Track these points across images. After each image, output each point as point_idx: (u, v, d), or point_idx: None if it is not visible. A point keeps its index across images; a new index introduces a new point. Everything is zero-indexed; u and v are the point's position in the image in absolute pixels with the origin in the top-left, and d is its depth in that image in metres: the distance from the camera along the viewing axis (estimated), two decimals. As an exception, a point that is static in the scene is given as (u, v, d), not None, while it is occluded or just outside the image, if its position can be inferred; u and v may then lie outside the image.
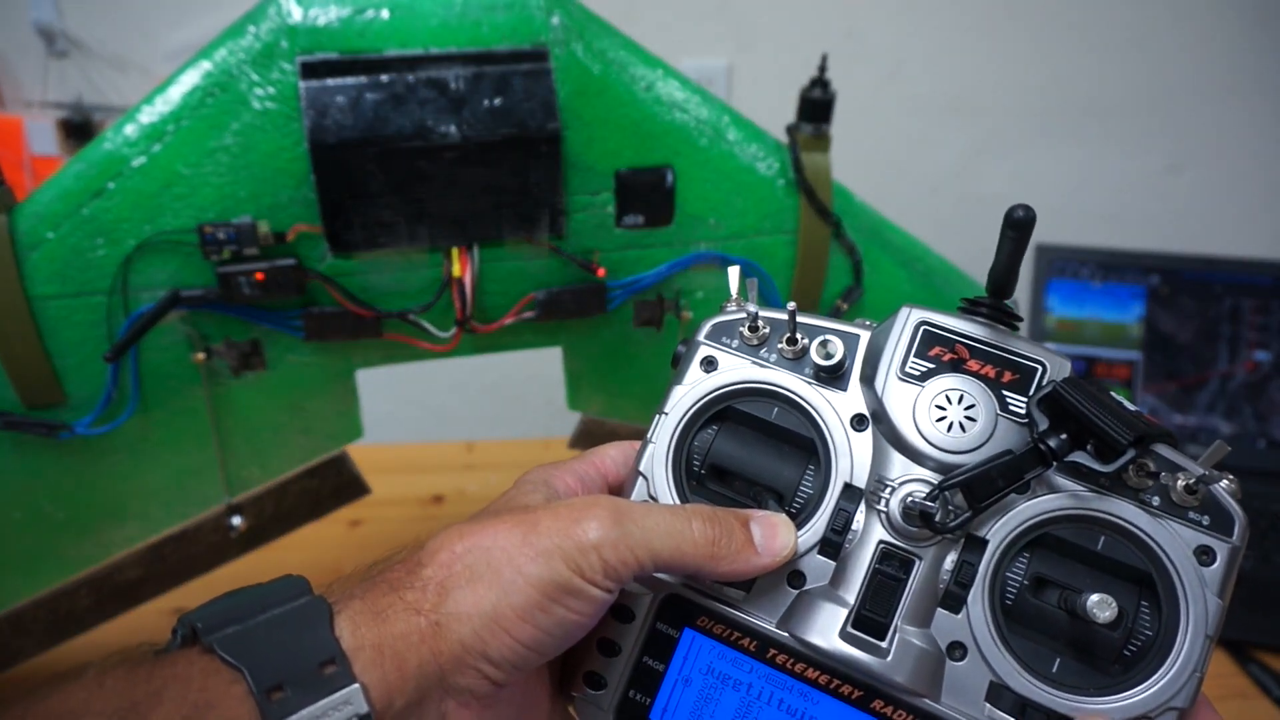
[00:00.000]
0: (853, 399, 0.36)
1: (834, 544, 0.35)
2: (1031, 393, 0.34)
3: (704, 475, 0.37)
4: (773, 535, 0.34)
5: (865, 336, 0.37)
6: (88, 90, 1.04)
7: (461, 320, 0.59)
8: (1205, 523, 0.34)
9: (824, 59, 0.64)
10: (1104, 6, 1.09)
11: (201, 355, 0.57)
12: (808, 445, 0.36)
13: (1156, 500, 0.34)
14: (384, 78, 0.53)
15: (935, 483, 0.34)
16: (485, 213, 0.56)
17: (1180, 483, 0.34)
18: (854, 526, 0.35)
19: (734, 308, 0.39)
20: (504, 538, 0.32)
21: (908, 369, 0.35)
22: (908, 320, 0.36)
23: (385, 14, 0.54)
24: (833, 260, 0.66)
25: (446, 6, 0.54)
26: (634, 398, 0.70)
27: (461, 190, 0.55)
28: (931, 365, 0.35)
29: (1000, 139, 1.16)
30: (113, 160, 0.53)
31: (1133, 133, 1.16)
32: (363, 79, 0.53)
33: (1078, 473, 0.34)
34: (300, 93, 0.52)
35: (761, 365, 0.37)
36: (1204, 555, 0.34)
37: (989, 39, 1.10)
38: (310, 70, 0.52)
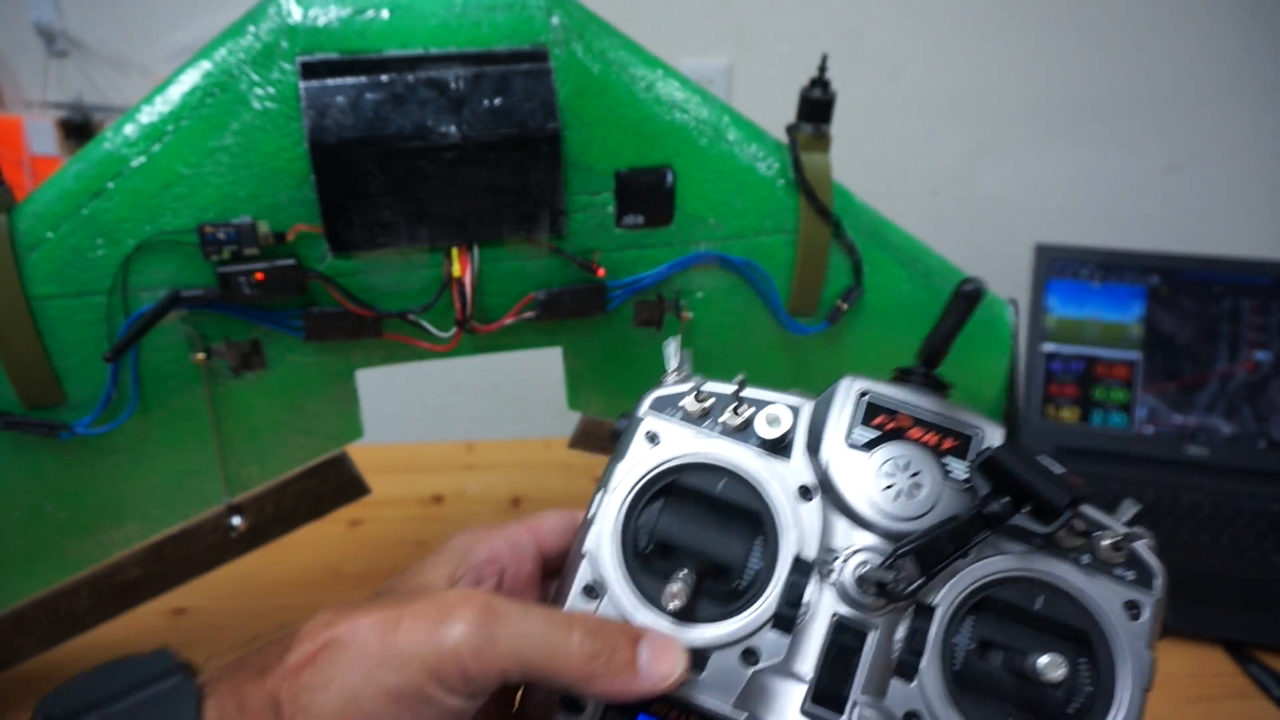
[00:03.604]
0: (799, 469, 0.36)
1: (787, 618, 0.34)
2: (971, 459, 0.35)
3: (650, 554, 0.36)
4: (660, 659, 0.32)
5: (808, 407, 0.37)
6: (88, 90, 1.04)
7: (461, 320, 0.59)
8: (1131, 578, 0.35)
9: (824, 59, 0.64)
10: (1104, 7, 1.09)
11: (201, 355, 0.57)
12: (756, 518, 0.36)
13: (1087, 558, 0.35)
14: (384, 78, 0.53)
15: (884, 551, 0.34)
16: (485, 213, 0.56)
17: (1106, 541, 0.35)
18: (806, 599, 0.34)
19: (674, 380, 0.39)
20: (364, 634, 0.30)
21: (853, 438, 0.36)
22: (850, 390, 0.37)
23: (385, 14, 0.54)
24: (833, 260, 0.66)
25: (446, 6, 0.54)
26: (634, 397, 0.70)
27: (461, 190, 0.55)
28: (876, 433, 0.36)
29: (1000, 139, 1.16)
30: (112, 160, 0.53)
31: (1133, 133, 1.16)
32: (363, 79, 0.53)
33: (1014, 534, 0.35)
34: (300, 93, 0.52)
35: (706, 437, 0.37)
36: (1132, 610, 0.34)
37: (989, 39, 1.10)
38: (310, 70, 0.52)
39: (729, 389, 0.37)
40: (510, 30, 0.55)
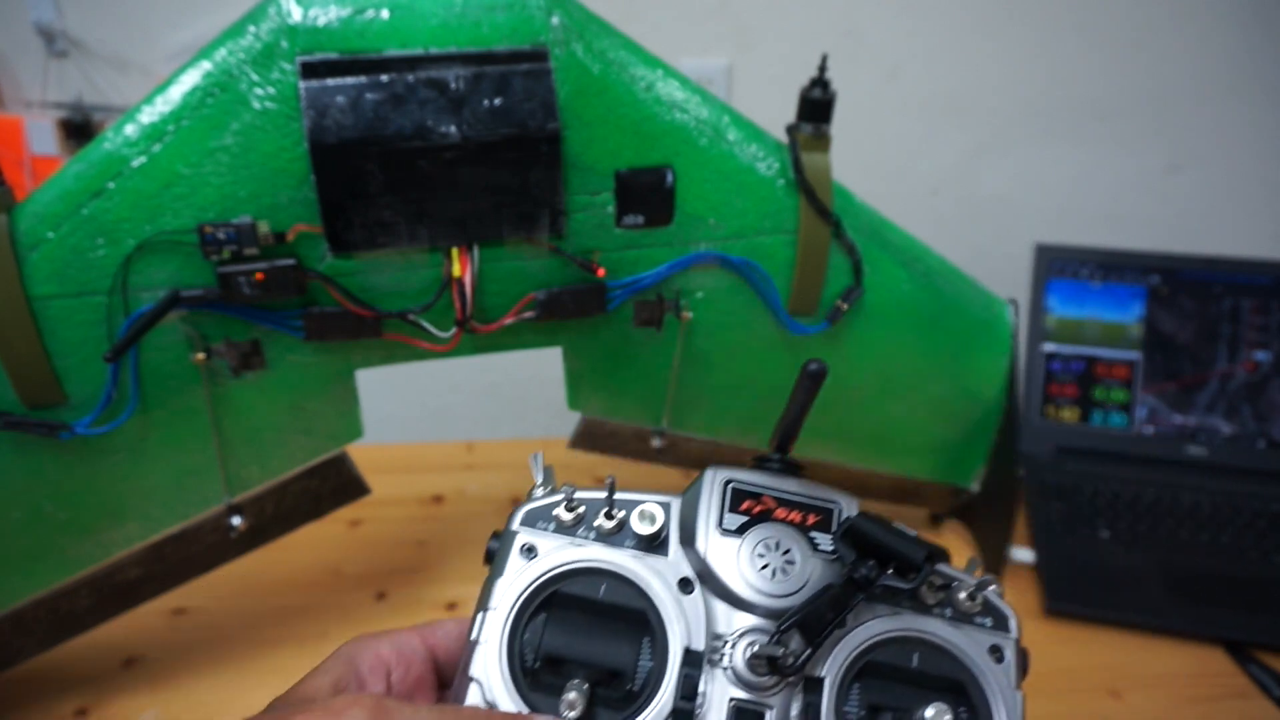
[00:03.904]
0: (677, 563, 0.37)
1: (685, 712, 0.35)
2: (834, 530, 0.37)
3: (539, 669, 0.36)
4: None
5: (678, 501, 0.39)
6: (88, 90, 1.04)
7: (461, 320, 0.59)
8: (989, 624, 0.38)
9: (824, 59, 0.64)
10: (1104, 7, 1.09)
11: (201, 355, 0.57)
12: (641, 618, 0.36)
13: (950, 611, 0.38)
14: (384, 78, 0.53)
15: (769, 629, 0.35)
16: (485, 213, 0.56)
17: (962, 593, 0.37)
18: (701, 690, 0.35)
19: (543, 492, 0.39)
20: None
21: (724, 525, 0.37)
22: (715, 480, 0.38)
23: (385, 14, 0.54)
24: (833, 260, 0.66)
25: (446, 6, 0.54)
26: (634, 397, 0.70)
27: (461, 190, 0.55)
28: (745, 518, 0.37)
29: (1000, 139, 1.16)
30: (113, 160, 0.53)
31: (1133, 133, 1.16)
32: (363, 79, 0.53)
33: (883, 599, 0.37)
34: (300, 93, 0.52)
35: (582, 544, 0.38)
36: (995, 654, 0.37)
37: (989, 39, 1.10)
38: (310, 70, 0.52)
39: (600, 494, 0.38)
40: (510, 30, 0.55)
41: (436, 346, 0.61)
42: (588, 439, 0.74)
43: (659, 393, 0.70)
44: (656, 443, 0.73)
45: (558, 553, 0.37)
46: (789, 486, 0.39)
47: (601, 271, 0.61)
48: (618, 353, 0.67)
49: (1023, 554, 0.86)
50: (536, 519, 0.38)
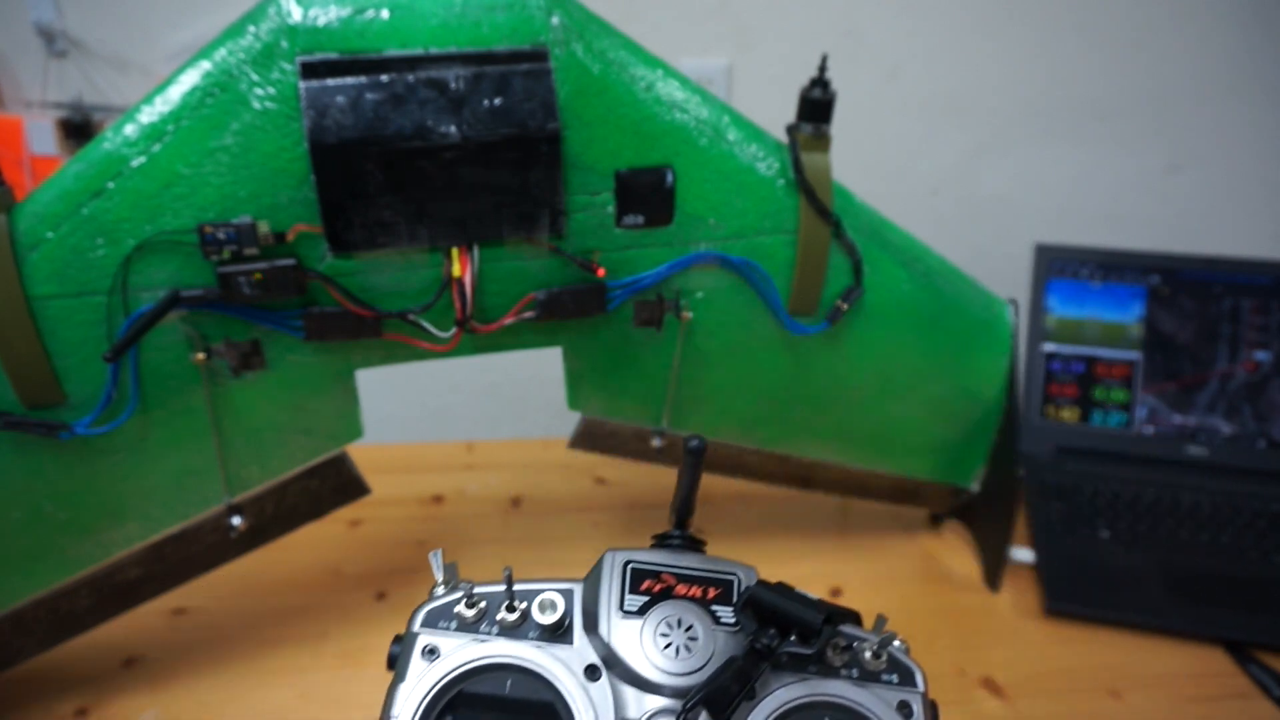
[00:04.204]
0: (581, 651, 0.37)
1: None
2: (735, 602, 0.37)
3: None
4: None
5: (578, 588, 0.39)
6: (88, 90, 1.04)
7: (461, 320, 0.59)
8: (895, 680, 0.38)
9: (824, 59, 0.64)
10: (1104, 7, 1.09)
11: (201, 355, 0.57)
12: (549, 710, 0.36)
13: (856, 672, 0.38)
14: (384, 78, 0.53)
15: (676, 709, 0.35)
16: (485, 213, 0.56)
17: (867, 652, 0.38)
18: None
19: (443, 590, 0.39)
20: None
21: (625, 607, 0.37)
22: (615, 563, 0.38)
23: (385, 14, 0.54)
24: (833, 260, 0.66)
25: (446, 6, 0.54)
26: (634, 397, 0.70)
27: (461, 190, 0.55)
28: (646, 599, 0.38)
29: (1000, 139, 1.16)
30: (112, 160, 0.53)
31: (1133, 133, 1.16)
32: (363, 79, 0.53)
33: (790, 667, 0.37)
34: (300, 93, 0.52)
35: (485, 640, 0.37)
36: (904, 709, 0.37)
37: (989, 39, 1.10)
38: (310, 70, 0.52)
39: (499, 588, 0.38)
40: (510, 30, 0.55)
41: (436, 346, 0.61)
42: (588, 439, 0.74)
43: (659, 393, 0.70)
44: (656, 443, 0.73)
45: (460, 651, 0.37)
46: (688, 562, 0.39)
47: (601, 271, 0.61)
48: (618, 353, 0.67)
49: (1023, 554, 0.86)
50: (438, 619, 0.38)
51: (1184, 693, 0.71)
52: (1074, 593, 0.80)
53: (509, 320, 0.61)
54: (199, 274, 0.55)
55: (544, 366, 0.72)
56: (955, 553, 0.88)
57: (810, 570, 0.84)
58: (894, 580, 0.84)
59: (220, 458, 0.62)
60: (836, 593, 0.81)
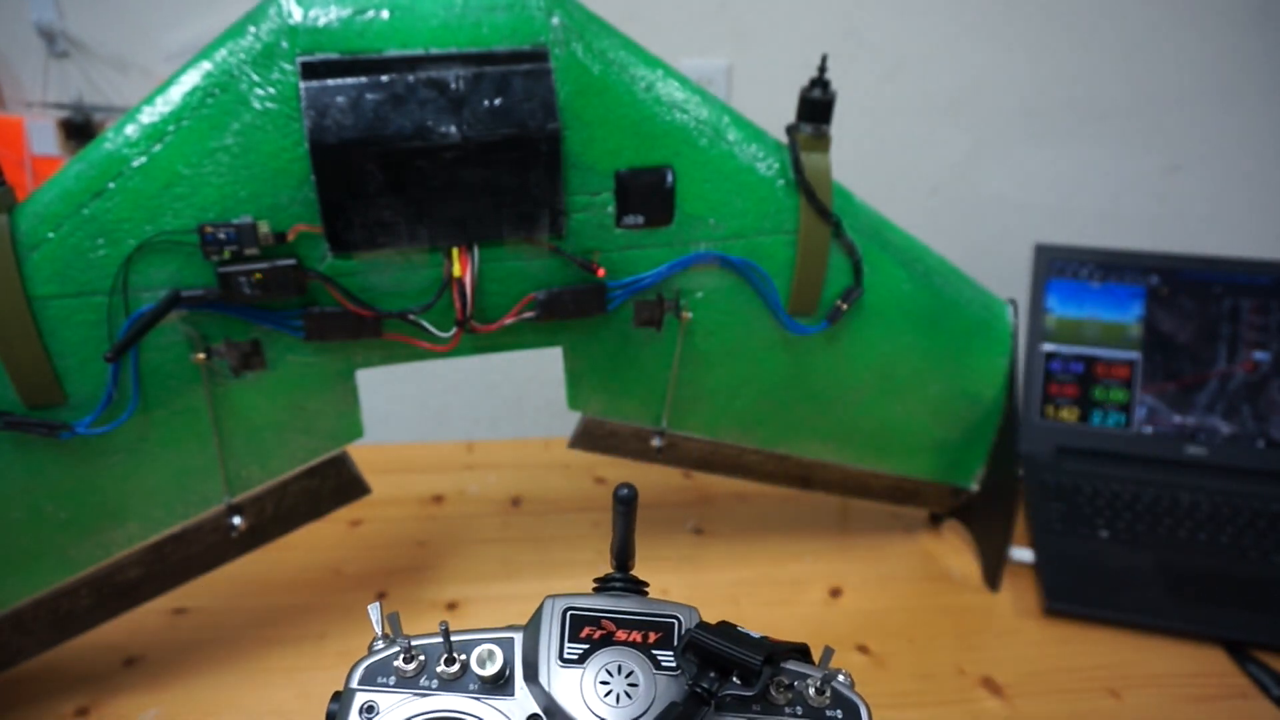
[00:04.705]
0: (523, 702, 0.37)
1: None
2: (675, 645, 0.37)
3: None
4: None
5: (519, 637, 0.38)
6: (88, 90, 1.04)
7: (461, 320, 0.59)
8: (840, 716, 0.37)
9: (824, 59, 0.64)
10: (1104, 7, 1.09)
11: (201, 355, 0.58)
12: None
13: (800, 709, 0.37)
14: (384, 78, 0.53)
15: None
16: (485, 213, 0.56)
17: (811, 689, 0.37)
18: None
19: (381, 644, 0.39)
20: None
21: (565, 655, 0.37)
22: (554, 610, 0.38)
23: (385, 14, 0.54)
24: (833, 260, 0.66)
25: (446, 7, 0.54)
26: (634, 397, 0.70)
27: (461, 190, 0.55)
28: (586, 646, 0.37)
29: (1000, 139, 1.16)
30: (113, 160, 0.53)
31: (1132, 133, 1.16)
32: (363, 79, 0.53)
33: (735, 707, 0.37)
34: (300, 93, 0.52)
35: (425, 695, 0.37)
36: None
37: (989, 39, 1.10)
38: (310, 70, 0.52)
39: (437, 640, 0.38)
40: (510, 30, 0.55)
41: (436, 346, 0.61)
42: (588, 439, 0.74)
43: (659, 393, 0.70)
44: (656, 443, 0.73)
45: (399, 708, 0.36)
46: (629, 606, 0.38)
47: (601, 271, 0.61)
48: (618, 353, 0.67)
49: (1022, 554, 0.86)
50: (376, 674, 0.37)
51: (1183, 692, 0.71)
52: (1073, 592, 0.80)
53: (509, 320, 0.61)
54: (199, 274, 0.55)
55: (544, 366, 0.72)
56: (955, 553, 0.88)
57: (810, 570, 0.84)
58: (894, 580, 0.84)
59: (220, 458, 0.62)
60: (836, 593, 0.81)
